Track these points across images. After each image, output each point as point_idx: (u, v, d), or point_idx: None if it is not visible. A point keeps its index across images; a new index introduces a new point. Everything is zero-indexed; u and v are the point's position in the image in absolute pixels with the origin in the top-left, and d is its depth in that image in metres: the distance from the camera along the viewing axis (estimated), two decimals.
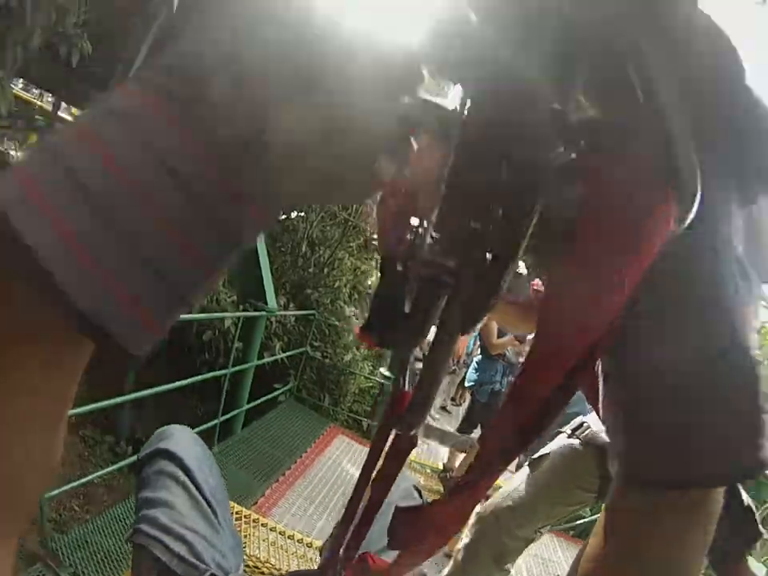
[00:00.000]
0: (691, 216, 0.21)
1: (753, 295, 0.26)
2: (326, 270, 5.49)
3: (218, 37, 0.18)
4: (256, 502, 2.80)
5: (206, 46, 0.18)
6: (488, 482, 0.29)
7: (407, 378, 0.31)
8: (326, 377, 4.87)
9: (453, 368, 5.88)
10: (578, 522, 3.23)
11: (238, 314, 3.55)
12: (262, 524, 2.39)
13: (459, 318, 0.23)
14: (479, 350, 3.60)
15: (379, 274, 0.26)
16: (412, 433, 0.29)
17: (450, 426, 5.94)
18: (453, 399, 6.56)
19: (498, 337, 3.23)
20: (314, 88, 0.17)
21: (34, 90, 10.07)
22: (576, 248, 0.23)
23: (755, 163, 0.27)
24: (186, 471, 0.78)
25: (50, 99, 9.83)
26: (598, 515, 0.33)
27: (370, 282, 6.02)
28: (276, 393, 4.21)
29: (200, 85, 0.17)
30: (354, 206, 5.61)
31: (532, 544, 1.60)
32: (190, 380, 2.76)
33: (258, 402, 3.82)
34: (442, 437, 3.67)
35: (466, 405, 6.66)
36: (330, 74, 0.18)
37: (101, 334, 0.16)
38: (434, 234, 0.24)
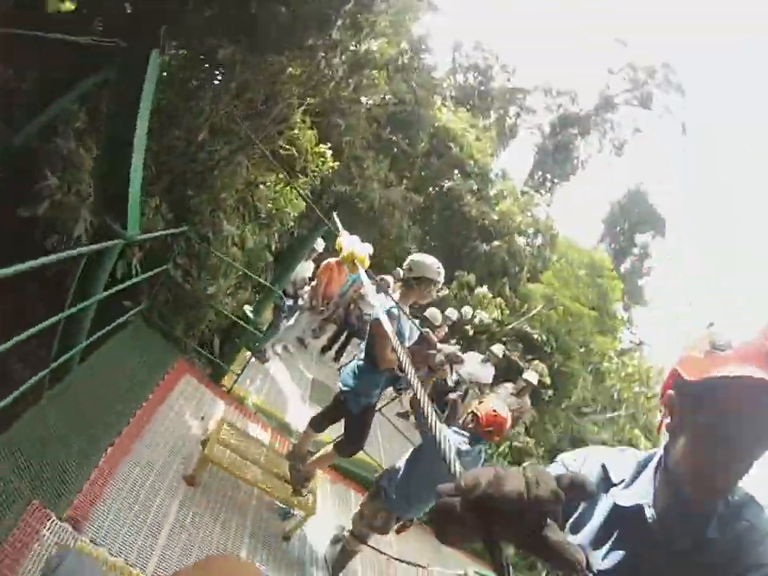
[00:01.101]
0: None
1: None
2: (215, 172, 4.66)
3: None
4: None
5: None
6: None
7: None
8: (183, 302, 4.37)
9: (321, 309, 5.73)
10: None
11: (83, 249, 2.79)
12: None
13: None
14: (363, 355, 2.98)
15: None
16: None
17: (302, 361, 6.00)
18: (314, 330, 6.53)
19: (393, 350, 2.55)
20: None
21: None
22: None
23: None
24: None
25: None
26: None
27: (263, 198, 5.34)
28: (125, 316, 3.67)
29: None
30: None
31: None
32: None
33: (101, 332, 3.29)
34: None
35: (325, 336, 6.67)
36: None
37: None
38: None
